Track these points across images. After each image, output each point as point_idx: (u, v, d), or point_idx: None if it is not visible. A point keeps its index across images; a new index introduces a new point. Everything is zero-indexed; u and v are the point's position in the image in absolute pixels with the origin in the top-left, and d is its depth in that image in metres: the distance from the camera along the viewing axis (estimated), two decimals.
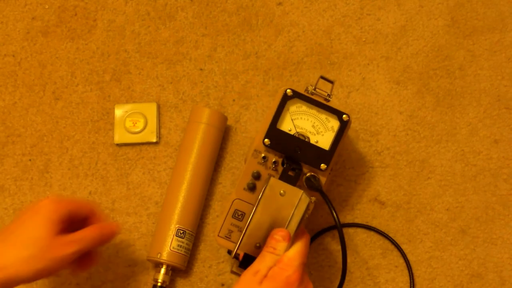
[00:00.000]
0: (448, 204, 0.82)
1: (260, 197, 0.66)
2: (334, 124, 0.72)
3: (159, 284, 0.76)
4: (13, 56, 0.89)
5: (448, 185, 0.83)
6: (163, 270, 0.76)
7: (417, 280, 0.79)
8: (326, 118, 0.72)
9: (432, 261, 0.80)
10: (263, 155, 0.71)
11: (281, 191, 0.67)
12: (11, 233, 0.63)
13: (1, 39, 0.90)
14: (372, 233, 0.81)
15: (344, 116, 0.71)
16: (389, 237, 0.80)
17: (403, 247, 0.80)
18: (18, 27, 0.91)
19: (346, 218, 0.82)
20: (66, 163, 0.85)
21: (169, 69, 0.88)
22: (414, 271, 0.79)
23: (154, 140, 0.85)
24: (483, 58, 0.88)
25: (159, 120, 0.86)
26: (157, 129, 0.85)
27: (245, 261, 0.66)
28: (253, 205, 0.67)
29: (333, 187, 0.83)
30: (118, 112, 0.86)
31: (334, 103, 0.71)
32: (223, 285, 0.79)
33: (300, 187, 0.69)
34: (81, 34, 0.90)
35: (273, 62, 0.88)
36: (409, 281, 0.79)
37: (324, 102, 0.71)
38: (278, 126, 0.71)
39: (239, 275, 0.72)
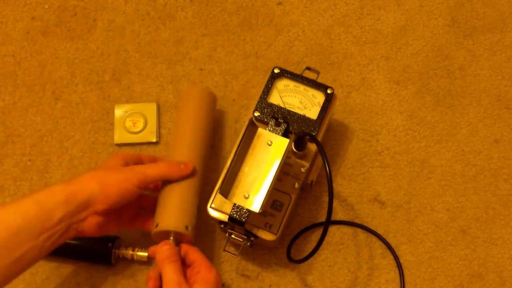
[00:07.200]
0: (448, 204, 0.82)
1: (241, 139, 0.70)
2: (321, 100, 0.76)
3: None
4: (13, 56, 0.89)
5: (448, 185, 0.83)
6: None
7: (417, 280, 0.79)
8: (312, 95, 0.77)
9: (432, 261, 0.80)
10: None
11: (269, 141, 0.69)
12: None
13: (1, 39, 0.90)
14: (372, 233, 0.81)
15: (328, 89, 0.76)
16: (382, 236, 0.80)
17: (403, 247, 0.80)
18: (18, 27, 0.91)
19: (346, 218, 0.82)
20: (66, 163, 0.84)
21: (169, 69, 0.88)
22: (414, 271, 0.79)
23: (154, 140, 0.85)
24: (483, 58, 0.88)
25: (159, 120, 0.86)
26: (157, 129, 0.85)
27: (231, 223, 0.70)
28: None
29: (333, 187, 0.83)
30: (118, 112, 0.86)
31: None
32: (223, 285, 0.79)
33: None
34: (81, 34, 0.90)
35: (273, 62, 0.88)
36: (410, 281, 0.79)
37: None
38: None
39: (230, 253, 0.76)
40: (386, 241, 0.80)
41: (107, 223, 0.69)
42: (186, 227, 0.70)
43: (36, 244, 0.62)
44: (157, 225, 0.71)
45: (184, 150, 0.76)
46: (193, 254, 0.69)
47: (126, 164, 0.71)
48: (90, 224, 0.67)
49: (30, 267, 0.64)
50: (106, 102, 0.87)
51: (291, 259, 0.76)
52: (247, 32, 0.90)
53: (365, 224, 0.81)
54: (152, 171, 0.70)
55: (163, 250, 0.68)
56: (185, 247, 0.70)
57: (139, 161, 0.74)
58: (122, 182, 0.67)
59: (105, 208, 0.67)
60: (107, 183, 0.67)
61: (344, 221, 0.81)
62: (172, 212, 0.71)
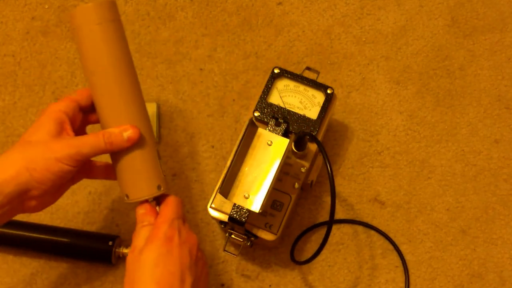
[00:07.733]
0: (448, 204, 0.82)
1: (241, 139, 0.69)
2: (321, 100, 0.77)
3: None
4: (13, 56, 0.89)
5: (448, 185, 0.83)
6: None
7: (417, 280, 0.79)
8: (312, 95, 0.77)
9: (432, 261, 0.80)
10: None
11: (269, 141, 0.69)
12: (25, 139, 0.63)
13: (1, 39, 0.90)
14: (372, 233, 0.81)
15: (328, 89, 0.76)
16: (386, 234, 0.80)
17: (403, 247, 0.80)
18: (18, 27, 0.91)
19: (346, 218, 0.82)
20: None
21: (169, 69, 0.88)
22: (414, 271, 0.79)
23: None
24: (483, 58, 0.88)
25: (159, 120, 0.86)
26: (157, 129, 0.85)
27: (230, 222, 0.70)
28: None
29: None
30: None
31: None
32: (223, 285, 0.79)
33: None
34: None
35: (273, 62, 0.88)
36: (410, 281, 0.79)
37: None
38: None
39: (230, 253, 0.76)
40: (391, 239, 0.80)
41: (54, 196, 0.65)
42: (159, 187, 0.64)
43: None
44: (127, 196, 0.65)
45: (119, 110, 0.63)
46: (161, 209, 0.65)
47: (61, 128, 0.63)
48: (33, 205, 0.63)
49: None
50: None
51: (294, 261, 0.76)
52: (247, 32, 0.90)
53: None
54: (88, 149, 0.62)
55: (138, 215, 0.64)
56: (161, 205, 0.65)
57: (76, 112, 0.65)
58: (54, 165, 0.61)
59: (42, 193, 0.62)
60: (37, 169, 0.60)
61: (347, 219, 0.81)
62: (138, 178, 0.64)
